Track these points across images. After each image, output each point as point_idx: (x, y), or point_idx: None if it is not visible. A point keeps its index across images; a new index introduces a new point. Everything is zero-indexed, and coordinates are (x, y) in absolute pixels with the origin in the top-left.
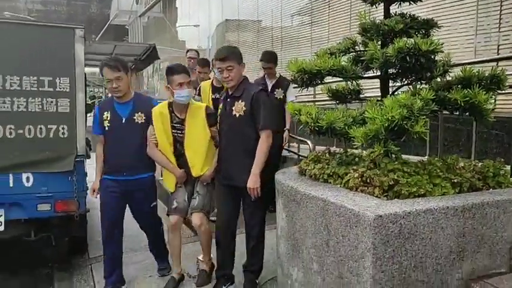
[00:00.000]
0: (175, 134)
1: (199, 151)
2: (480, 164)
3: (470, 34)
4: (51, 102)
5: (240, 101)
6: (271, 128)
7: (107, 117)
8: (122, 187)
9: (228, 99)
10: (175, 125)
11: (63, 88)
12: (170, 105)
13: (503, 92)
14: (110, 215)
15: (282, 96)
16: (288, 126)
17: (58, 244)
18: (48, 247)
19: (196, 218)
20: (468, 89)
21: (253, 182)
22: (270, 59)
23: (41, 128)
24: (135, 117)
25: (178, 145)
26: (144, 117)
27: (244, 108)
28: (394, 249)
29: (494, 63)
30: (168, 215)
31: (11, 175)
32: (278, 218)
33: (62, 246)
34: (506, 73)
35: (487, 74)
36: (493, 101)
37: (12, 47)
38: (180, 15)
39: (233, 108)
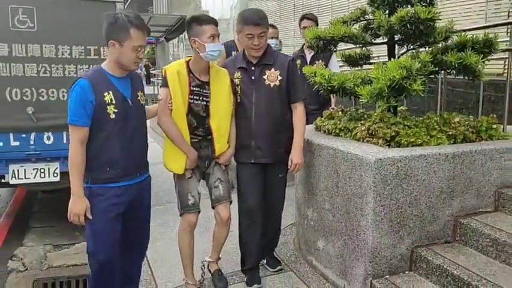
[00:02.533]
0: (192, 101)
1: (224, 123)
2: (475, 119)
3: (482, 1)
4: None
5: (273, 70)
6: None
7: (111, 99)
8: (131, 195)
9: (254, 68)
10: (194, 88)
11: (107, 56)
12: (187, 64)
13: None
14: (112, 247)
15: None
16: (333, 105)
17: None
18: None
19: (225, 211)
20: (462, 53)
21: (299, 156)
22: (313, 17)
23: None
24: (138, 97)
25: (190, 115)
26: (144, 97)
27: (280, 78)
28: (392, 187)
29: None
30: (182, 214)
31: (64, 133)
32: None
33: None
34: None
35: (480, 39)
36: (485, 63)
37: (63, 20)
38: None
39: (264, 77)
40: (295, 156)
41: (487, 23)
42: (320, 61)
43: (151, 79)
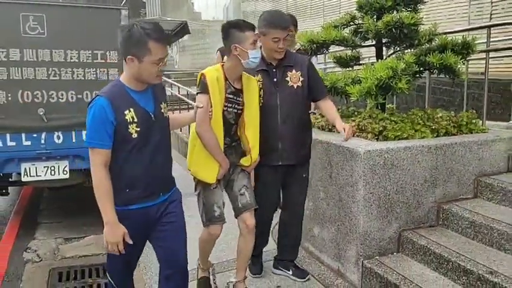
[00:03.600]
0: (226, 109)
1: (256, 130)
2: (456, 115)
3: (465, 4)
4: (103, 71)
5: (294, 71)
6: None
7: (132, 118)
8: (152, 216)
9: (275, 69)
10: (229, 96)
11: (113, 60)
12: (223, 70)
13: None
14: (126, 272)
15: None
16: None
17: None
18: None
19: (251, 219)
20: (443, 54)
21: (345, 125)
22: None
23: (96, 94)
24: (162, 109)
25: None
26: (167, 107)
27: (302, 79)
28: (380, 176)
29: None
30: (207, 225)
31: (73, 132)
32: None
33: None
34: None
35: (459, 41)
36: (469, 62)
37: (71, 27)
38: None
39: (287, 79)
40: (344, 124)
41: (470, 25)
42: None
43: None
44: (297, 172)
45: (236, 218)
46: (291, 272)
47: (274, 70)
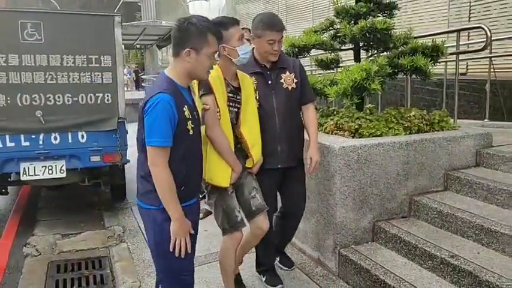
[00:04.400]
0: (228, 109)
1: (255, 130)
2: (429, 113)
3: (444, 8)
4: (98, 75)
5: (287, 73)
6: None
7: (188, 114)
8: (195, 214)
9: (270, 72)
10: (230, 95)
11: (107, 64)
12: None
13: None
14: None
15: None
16: None
17: (105, 189)
18: (96, 193)
19: (266, 222)
20: (414, 57)
21: (318, 154)
22: None
23: (90, 96)
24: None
25: None
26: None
27: (295, 80)
28: (355, 171)
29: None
30: (230, 232)
31: (69, 133)
32: None
33: (107, 191)
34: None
35: (429, 45)
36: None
37: (67, 33)
38: None
39: (281, 81)
40: (314, 154)
41: (450, 27)
42: None
43: (142, 84)
44: (294, 174)
45: (249, 221)
46: (278, 259)
47: (268, 72)
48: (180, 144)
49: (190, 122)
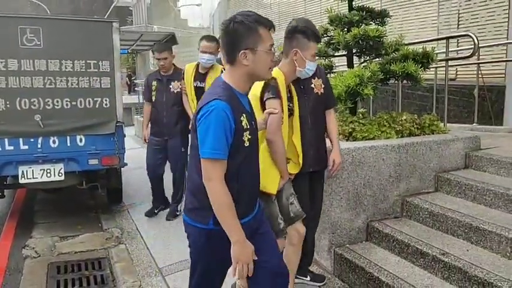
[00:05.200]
0: None
1: (301, 138)
2: (419, 117)
3: (434, 15)
4: (96, 80)
5: (316, 78)
6: None
7: (246, 124)
8: (253, 228)
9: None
10: (288, 102)
11: (105, 69)
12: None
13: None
14: None
15: None
16: None
17: (102, 192)
18: (92, 196)
19: (302, 226)
20: (405, 63)
21: (340, 156)
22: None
23: (89, 101)
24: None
25: None
26: None
27: (323, 86)
28: (349, 172)
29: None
30: (290, 224)
31: (68, 137)
32: None
33: (103, 194)
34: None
35: (420, 52)
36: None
37: (66, 38)
38: None
39: (312, 86)
40: (337, 156)
41: (439, 34)
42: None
43: (135, 88)
44: (318, 178)
45: (287, 227)
46: (308, 278)
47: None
48: (234, 158)
49: (247, 132)
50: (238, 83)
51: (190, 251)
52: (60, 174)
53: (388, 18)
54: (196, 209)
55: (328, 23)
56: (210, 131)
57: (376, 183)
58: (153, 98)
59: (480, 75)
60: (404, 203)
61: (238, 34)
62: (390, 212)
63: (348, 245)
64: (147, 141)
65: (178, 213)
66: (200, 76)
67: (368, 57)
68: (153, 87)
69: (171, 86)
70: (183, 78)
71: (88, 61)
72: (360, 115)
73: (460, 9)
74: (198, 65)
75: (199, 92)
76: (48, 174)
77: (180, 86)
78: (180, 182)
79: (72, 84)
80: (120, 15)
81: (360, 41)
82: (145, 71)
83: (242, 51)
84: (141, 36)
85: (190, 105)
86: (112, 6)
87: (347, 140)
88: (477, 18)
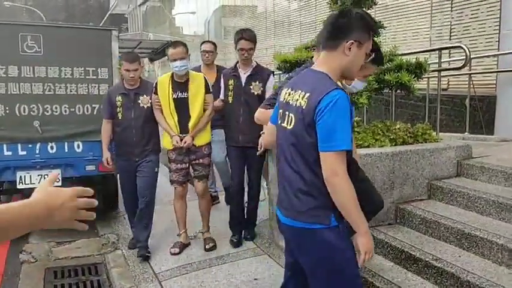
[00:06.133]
0: None
1: None
2: (413, 126)
3: (426, 27)
4: (95, 87)
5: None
6: None
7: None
8: None
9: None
10: None
11: (104, 76)
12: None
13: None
14: None
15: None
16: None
17: (99, 198)
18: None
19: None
20: (399, 73)
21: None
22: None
23: (87, 107)
24: None
25: None
26: None
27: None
28: None
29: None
30: None
31: (66, 143)
32: (269, 169)
33: (99, 200)
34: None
35: (413, 62)
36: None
37: (66, 45)
38: (177, 2)
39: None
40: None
41: (432, 45)
42: (257, 82)
43: None
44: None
45: None
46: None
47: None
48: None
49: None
50: (333, 73)
51: (307, 260)
52: (57, 180)
53: (382, 30)
54: (315, 208)
55: None
56: (339, 121)
57: None
58: (119, 115)
59: (472, 86)
60: (398, 210)
61: (355, 23)
62: (384, 218)
63: None
64: (110, 164)
65: (149, 255)
66: (179, 86)
67: None
68: (118, 103)
69: (139, 101)
70: (156, 92)
71: (87, 68)
72: (355, 124)
73: (452, 21)
74: (172, 76)
75: (181, 103)
76: None
77: (150, 101)
78: (150, 211)
79: (71, 91)
80: (115, 22)
81: None
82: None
83: (351, 41)
84: (140, 44)
85: (168, 120)
86: (108, 14)
87: None
88: (469, 30)
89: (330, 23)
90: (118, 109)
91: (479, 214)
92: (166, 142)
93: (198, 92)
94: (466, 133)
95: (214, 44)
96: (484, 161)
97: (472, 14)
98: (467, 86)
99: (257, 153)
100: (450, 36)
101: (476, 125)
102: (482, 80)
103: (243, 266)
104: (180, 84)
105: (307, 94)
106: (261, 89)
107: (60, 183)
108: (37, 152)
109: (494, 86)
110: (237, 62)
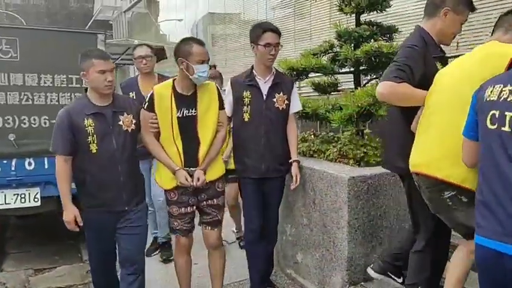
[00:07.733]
0: None
1: None
2: None
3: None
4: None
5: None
6: None
7: None
8: None
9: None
10: None
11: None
12: None
13: None
14: None
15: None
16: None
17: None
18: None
19: None
20: None
21: None
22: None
23: None
24: None
25: None
26: None
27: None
28: (364, 202)
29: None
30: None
31: (46, 158)
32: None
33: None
34: None
35: None
36: None
37: (45, 50)
38: (162, 9)
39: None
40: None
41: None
42: (281, 94)
43: None
44: None
45: None
46: None
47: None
48: None
49: None
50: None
51: None
52: (36, 200)
53: (396, 34)
54: None
55: (336, 38)
56: None
57: (393, 213)
58: (92, 148)
59: None
60: None
61: None
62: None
63: (362, 283)
64: (80, 223)
65: None
66: (185, 100)
67: (374, 75)
68: (89, 130)
69: (120, 122)
70: (150, 109)
71: (70, 76)
72: (366, 137)
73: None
74: (174, 86)
75: (187, 124)
76: (23, 200)
77: (133, 121)
78: (141, 285)
79: (51, 101)
80: (100, 29)
81: (373, 58)
82: None
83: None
84: (128, 50)
85: (167, 148)
86: (91, 20)
87: (359, 165)
88: (480, 36)
89: None
90: (89, 138)
91: None
92: (164, 179)
93: (210, 108)
94: None
95: (151, 47)
96: None
97: (483, 20)
98: None
99: (292, 187)
100: (457, 44)
101: None
102: None
103: None
104: (186, 98)
105: None
106: (286, 102)
107: (38, 203)
108: (12, 168)
109: None
110: (252, 68)
